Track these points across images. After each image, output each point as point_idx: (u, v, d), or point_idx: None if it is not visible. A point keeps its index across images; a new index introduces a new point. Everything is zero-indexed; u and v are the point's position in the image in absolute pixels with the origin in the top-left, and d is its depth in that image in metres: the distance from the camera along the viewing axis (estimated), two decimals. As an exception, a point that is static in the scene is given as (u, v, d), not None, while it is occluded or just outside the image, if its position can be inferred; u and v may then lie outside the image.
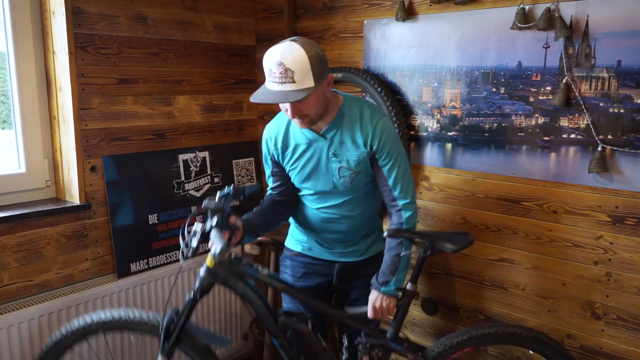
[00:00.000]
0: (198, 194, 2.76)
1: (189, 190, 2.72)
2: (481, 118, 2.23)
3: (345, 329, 2.14)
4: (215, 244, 1.72)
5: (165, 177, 2.63)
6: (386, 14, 2.44)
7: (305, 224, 2.05)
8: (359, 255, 2.03)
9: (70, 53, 2.20)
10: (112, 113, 2.40)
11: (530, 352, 1.98)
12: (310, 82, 1.68)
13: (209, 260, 1.80)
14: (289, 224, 2.16)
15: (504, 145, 2.19)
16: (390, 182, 1.85)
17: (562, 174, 2.06)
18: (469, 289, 2.37)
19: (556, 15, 1.94)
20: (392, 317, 1.92)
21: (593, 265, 2.04)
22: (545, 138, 2.08)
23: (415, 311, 2.54)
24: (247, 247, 2.91)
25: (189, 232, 1.81)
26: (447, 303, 2.45)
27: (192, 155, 2.74)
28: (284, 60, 1.65)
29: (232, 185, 1.88)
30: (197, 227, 1.80)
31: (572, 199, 2.05)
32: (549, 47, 2.02)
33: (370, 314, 1.88)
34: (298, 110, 1.74)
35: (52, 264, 2.26)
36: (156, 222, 2.58)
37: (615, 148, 1.93)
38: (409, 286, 1.89)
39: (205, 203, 1.80)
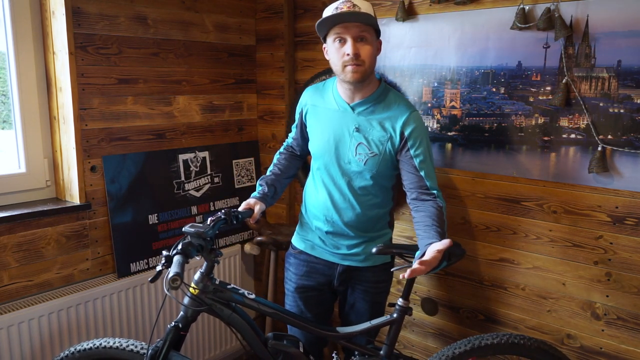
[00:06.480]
0: (198, 194, 2.77)
1: (189, 190, 2.72)
2: (481, 118, 2.23)
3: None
4: (171, 269, 1.60)
5: (165, 177, 2.63)
6: (386, 14, 2.44)
7: (314, 209, 2.02)
8: (362, 260, 1.98)
9: (70, 53, 2.20)
10: (112, 113, 2.40)
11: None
12: (374, 22, 1.79)
13: (192, 288, 1.78)
14: (297, 221, 2.16)
15: (504, 145, 2.19)
16: (423, 173, 1.85)
17: (562, 174, 2.06)
18: (469, 289, 2.37)
19: (556, 15, 1.94)
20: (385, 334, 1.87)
21: (593, 265, 2.04)
22: (545, 138, 2.08)
23: (415, 311, 2.54)
24: (247, 248, 2.91)
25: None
26: (447, 303, 2.45)
27: (192, 155, 2.74)
28: None
29: (223, 210, 1.85)
30: (164, 251, 1.70)
31: (572, 199, 2.05)
32: (549, 47, 2.02)
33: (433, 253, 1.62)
34: (358, 50, 1.77)
35: (52, 264, 2.26)
36: (156, 222, 2.58)
37: (615, 148, 1.93)
38: (400, 302, 1.81)
39: (185, 228, 1.73)
